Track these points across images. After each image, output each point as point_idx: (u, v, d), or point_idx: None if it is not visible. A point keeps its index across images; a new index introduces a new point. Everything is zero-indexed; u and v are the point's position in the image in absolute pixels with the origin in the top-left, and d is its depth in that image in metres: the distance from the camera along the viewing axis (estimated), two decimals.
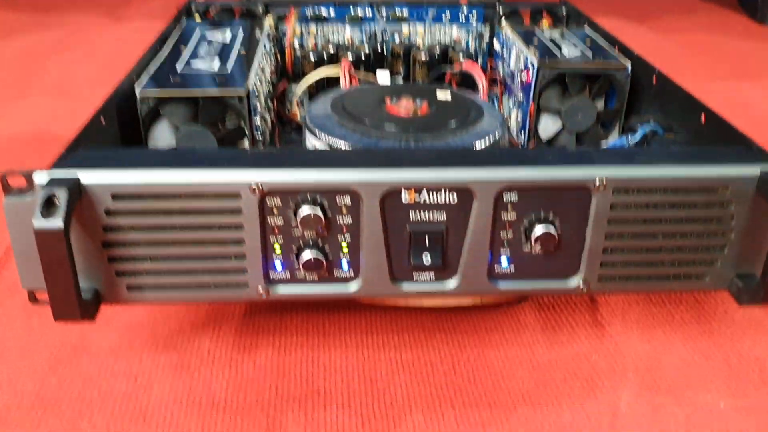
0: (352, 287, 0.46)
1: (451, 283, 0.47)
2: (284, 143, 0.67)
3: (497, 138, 0.56)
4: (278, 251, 0.45)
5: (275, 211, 0.44)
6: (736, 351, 0.56)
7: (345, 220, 0.44)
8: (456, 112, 0.59)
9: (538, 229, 0.44)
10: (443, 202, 0.44)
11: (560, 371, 0.54)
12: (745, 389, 0.52)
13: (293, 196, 0.43)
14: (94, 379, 0.52)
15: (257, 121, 0.61)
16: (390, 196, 0.44)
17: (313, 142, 0.55)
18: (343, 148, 0.53)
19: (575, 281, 0.47)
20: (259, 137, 0.62)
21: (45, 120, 0.95)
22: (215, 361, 0.54)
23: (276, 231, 0.44)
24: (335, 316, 0.59)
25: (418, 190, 0.44)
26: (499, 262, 0.46)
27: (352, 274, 0.46)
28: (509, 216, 0.45)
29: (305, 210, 0.43)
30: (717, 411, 0.50)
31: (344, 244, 0.45)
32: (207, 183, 0.42)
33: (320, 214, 0.43)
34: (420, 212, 0.44)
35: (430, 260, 0.45)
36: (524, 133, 0.67)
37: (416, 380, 0.53)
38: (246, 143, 0.59)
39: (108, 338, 0.55)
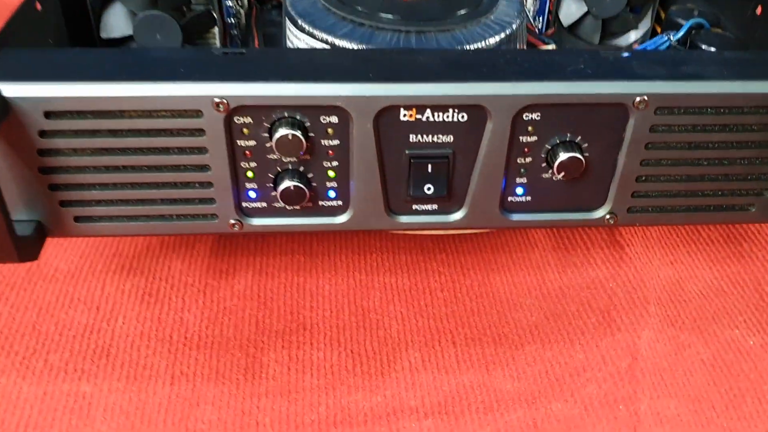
0: (341, 219, 0.39)
1: (457, 215, 0.40)
2: (263, 26, 0.58)
3: (514, 30, 0.47)
4: (251, 177, 0.38)
5: (245, 131, 0.36)
6: None
7: (331, 142, 0.37)
8: None
9: (563, 155, 0.37)
10: (450, 121, 0.36)
11: (573, 301, 0.48)
12: None
13: (266, 113, 0.36)
14: (51, 308, 0.46)
15: (229, 2, 0.52)
16: (385, 115, 0.36)
17: (294, 33, 0.46)
18: (328, 41, 0.44)
19: (601, 213, 0.40)
20: (233, 22, 0.53)
21: None
22: (188, 288, 0.48)
23: (248, 154, 0.37)
24: (323, 234, 0.52)
25: (420, 109, 0.36)
26: (514, 191, 0.39)
27: (341, 204, 0.39)
28: (529, 138, 0.37)
29: (282, 131, 0.35)
30: (746, 349, 0.45)
31: (331, 170, 0.38)
32: (160, 98, 0.34)
33: (300, 135, 0.36)
34: (422, 134, 0.37)
35: (432, 191, 0.38)
36: (542, 17, 0.58)
37: (413, 311, 0.48)
38: (216, 32, 0.50)
39: (67, 260, 0.49)
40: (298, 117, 0.36)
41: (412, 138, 0.37)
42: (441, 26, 0.45)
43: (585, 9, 0.56)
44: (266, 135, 0.36)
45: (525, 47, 0.51)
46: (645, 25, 0.58)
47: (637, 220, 0.40)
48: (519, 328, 0.47)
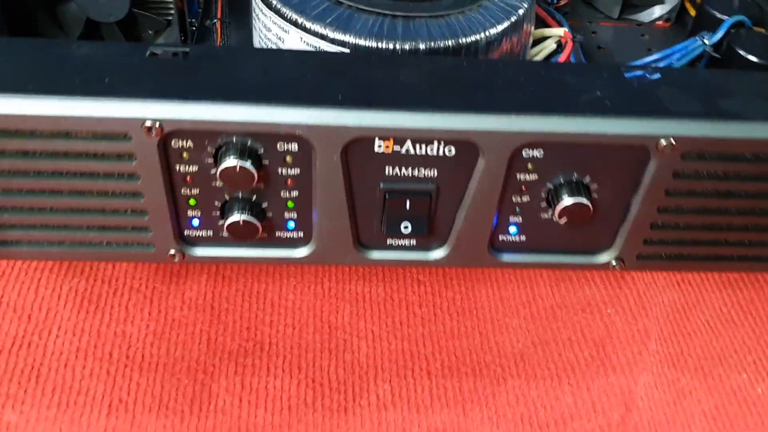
0: (301, 252, 0.34)
1: (439, 253, 0.34)
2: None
3: (521, 16, 0.40)
4: (194, 205, 0.32)
5: (185, 155, 0.30)
6: None
7: (290, 171, 0.31)
8: None
9: (567, 199, 0.31)
10: (435, 155, 0.30)
11: (565, 327, 0.43)
12: None
13: (211, 137, 0.29)
14: None
15: None
16: (356, 146, 0.30)
17: (260, 6, 0.39)
18: (297, 22, 0.37)
19: (606, 257, 0.35)
20: None
21: None
22: (133, 293, 0.42)
23: (189, 181, 0.31)
24: None
25: (399, 140, 0.29)
26: (506, 230, 0.33)
27: (301, 237, 0.33)
28: (528, 177, 0.31)
29: (228, 161, 0.29)
30: (753, 398, 0.40)
31: (289, 201, 0.32)
32: (77, 119, 0.28)
33: (250, 167, 0.29)
34: (400, 167, 0.31)
35: (410, 229, 0.32)
36: None
37: (386, 329, 0.42)
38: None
39: None
40: (249, 143, 0.29)
41: (388, 171, 0.31)
42: (433, 11, 0.38)
43: None
44: (211, 161, 0.30)
45: (533, 28, 0.43)
46: (673, 0, 0.50)
47: (647, 267, 0.35)
48: (502, 356, 0.42)
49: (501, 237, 0.34)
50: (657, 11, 0.50)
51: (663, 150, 0.29)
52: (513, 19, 0.39)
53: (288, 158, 0.30)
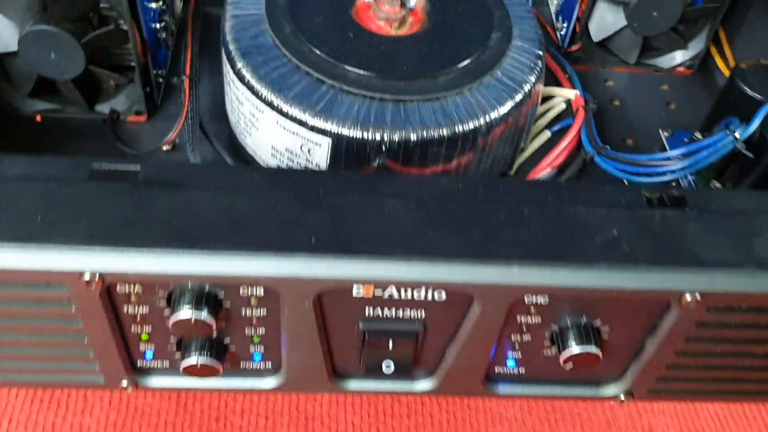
0: (269, 383, 0.30)
1: (426, 384, 0.30)
2: (200, 42, 0.42)
3: (527, 92, 0.35)
4: (146, 340, 0.28)
5: (134, 298, 0.26)
6: None
7: (255, 312, 0.27)
8: (468, 27, 0.36)
9: (575, 347, 0.27)
10: (422, 300, 0.26)
11: (564, 420, 0.39)
12: None
13: (162, 282, 0.25)
14: None
15: (152, 3, 0.38)
16: (331, 293, 0.25)
17: (233, 80, 0.34)
18: (274, 104, 0.32)
19: (614, 390, 0.31)
20: (158, 26, 0.40)
21: None
22: None
23: (139, 320, 0.27)
24: None
25: (381, 285, 0.25)
26: (504, 362, 0.30)
27: (269, 368, 0.29)
28: (530, 319, 0.27)
29: (182, 313, 0.25)
30: None
31: (255, 338, 0.28)
32: (4, 270, 0.24)
33: (207, 319, 0.25)
34: (382, 308, 0.27)
35: (392, 370, 0.28)
36: (568, 25, 0.45)
37: (368, 422, 0.39)
38: (131, 50, 0.37)
39: None
40: (206, 289, 0.25)
41: (369, 312, 0.27)
42: (427, 93, 0.33)
43: (623, 22, 0.43)
44: (163, 303, 0.26)
45: (542, 86, 0.38)
46: (697, 45, 0.45)
47: (658, 399, 0.31)
48: None
49: (497, 369, 0.30)
50: (678, 57, 0.45)
51: (687, 305, 0.25)
52: (518, 98, 0.34)
53: (253, 300, 0.26)
